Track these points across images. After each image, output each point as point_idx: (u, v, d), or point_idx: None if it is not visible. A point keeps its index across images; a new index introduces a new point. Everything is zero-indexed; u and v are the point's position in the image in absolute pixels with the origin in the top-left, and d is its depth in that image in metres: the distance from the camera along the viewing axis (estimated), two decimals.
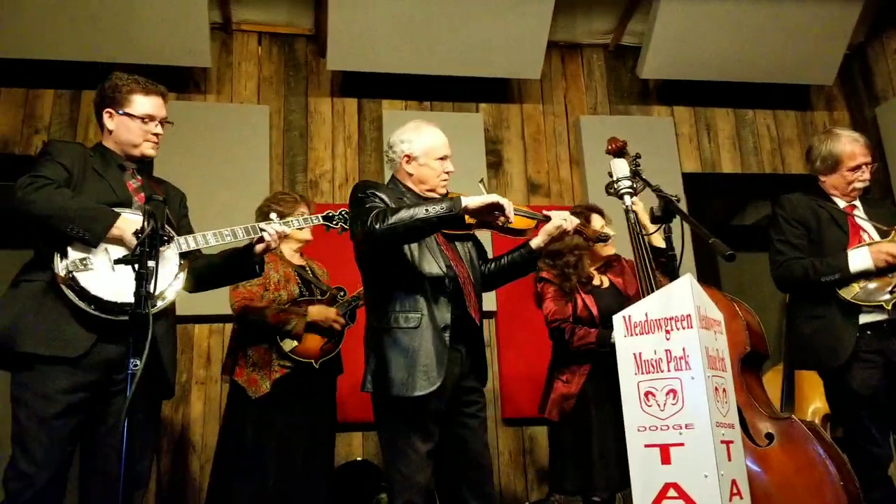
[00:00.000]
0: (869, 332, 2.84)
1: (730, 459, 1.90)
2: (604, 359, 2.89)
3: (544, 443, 4.24)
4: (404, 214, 2.37)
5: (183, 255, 2.40)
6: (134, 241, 2.21)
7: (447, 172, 2.73)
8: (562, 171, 4.97)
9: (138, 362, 1.82)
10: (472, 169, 4.48)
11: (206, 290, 2.64)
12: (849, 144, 3.06)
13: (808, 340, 2.97)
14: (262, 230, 2.46)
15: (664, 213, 2.47)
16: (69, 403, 2.22)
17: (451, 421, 2.56)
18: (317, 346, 3.16)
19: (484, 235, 2.86)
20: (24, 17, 4.11)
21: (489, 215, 2.42)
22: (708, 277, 4.56)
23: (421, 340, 2.47)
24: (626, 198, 2.50)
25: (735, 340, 2.62)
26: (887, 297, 2.80)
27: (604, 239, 2.81)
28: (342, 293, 3.32)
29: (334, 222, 2.77)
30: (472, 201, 2.37)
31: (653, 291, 2.19)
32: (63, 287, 2.21)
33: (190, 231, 2.56)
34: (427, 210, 2.36)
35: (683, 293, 1.97)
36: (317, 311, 3.18)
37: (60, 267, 2.21)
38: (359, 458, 4.08)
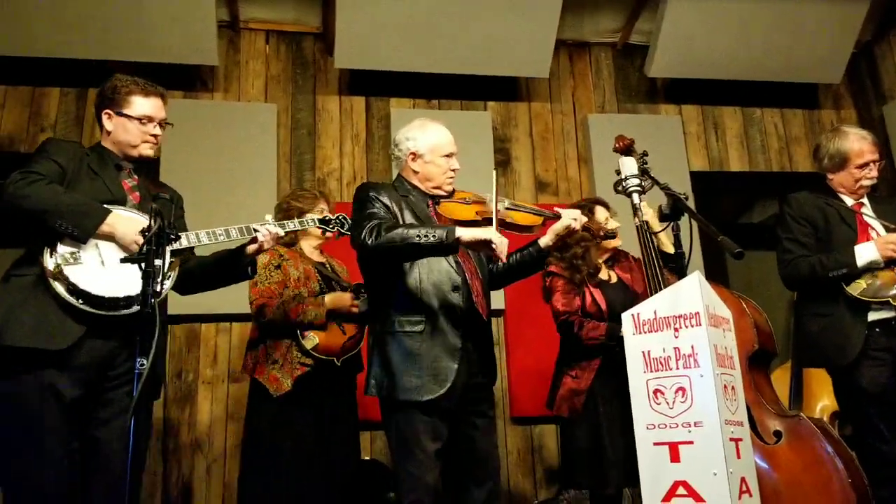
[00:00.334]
0: (878, 330, 2.84)
1: (739, 457, 1.90)
2: (612, 354, 2.89)
3: (553, 442, 4.26)
4: (396, 236, 2.39)
5: (174, 254, 2.38)
6: (126, 238, 2.26)
7: (453, 170, 2.74)
8: (570, 169, 4.97)
9: (145, 361, 1.83)
10: (480, 167, 4.48)
11: (197, 291, 2.62)
12: (856, 142, 3.06)
13: (816, 338, 2.97)
14: (255, 230, 2.44)
15: (672, 211, 2.47)
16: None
17: (459, 420, 2.57)
18: (339, 343, 3.14)
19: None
20: (30, 16, 4.13)
21: (482, 248, 2.42)
22: (716, 275, 4.56)
23: (427, 344, 2.49)
24: (635, 195, 2.49)
25: (743, 338, 2.62)
26: (894, 292, 2.79)
27: (612, 236, 2.81)
28: (361, 289, 3.30)
29: (331, 226, 2.79)
30: (465, 233, 2.37)
31: (660, 289, 2.18)
32: (51, 281, 2.20)
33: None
34: (419, 236, 2.37)
35: (692, 291, 1.97)
36: (332, 298, 3.17)
37: (49, 262, 2.21)
38: (367, 458, 4.08)
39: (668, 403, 1.93)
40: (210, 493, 4.02)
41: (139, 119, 2.46)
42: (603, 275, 3.14)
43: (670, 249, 2.66)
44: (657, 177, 2.57)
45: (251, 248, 2.47)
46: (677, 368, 1.94)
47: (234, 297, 3.83)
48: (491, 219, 2.49)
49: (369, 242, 2.42)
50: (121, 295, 2.22)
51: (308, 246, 3.33)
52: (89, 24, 4.19)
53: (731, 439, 1.89)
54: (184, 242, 2.35)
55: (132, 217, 2.32)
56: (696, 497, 1.83)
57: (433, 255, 2.51)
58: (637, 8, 5.00)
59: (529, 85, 5.07)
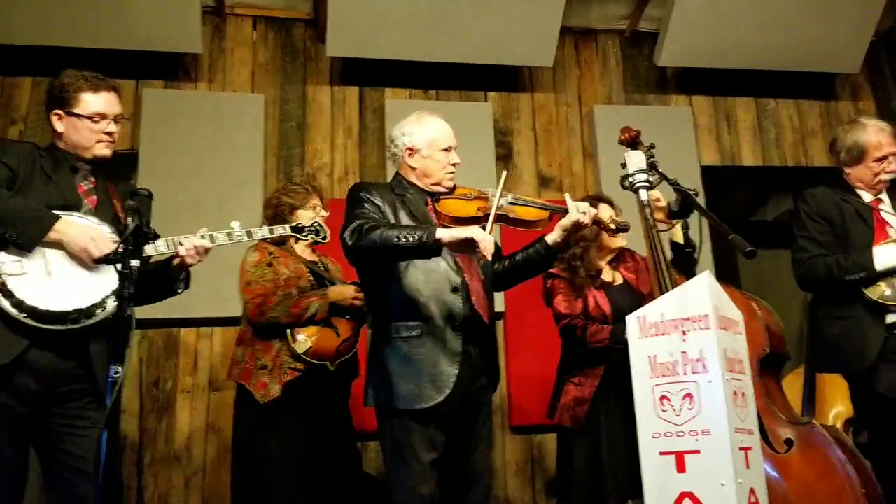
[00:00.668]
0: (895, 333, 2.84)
1: (748, 467, 1.90)
2: (617, 361, 2.89)
3: (553, 452, 4.22)
4: (376, 237, 2.40)
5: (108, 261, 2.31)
6: (75, 246, 2.22)
7: (453, 164, 2.73)
8: (574, 164, 4.97)
9: (120, 369, 1.81)
10: (480, 162, 4.49)
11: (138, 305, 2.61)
12: (875, 134, 3.07)
13: (834, 342, 2.98)
14: (179, 244, 2.36)
15: (682, 207, 2.48)
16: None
17: (457, 426, 2.58)
18: (333, 347, 3.11)
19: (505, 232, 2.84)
20: (3, 1, 4.09)
21: (466, 248, 2.40)
22: (727, 275, 4.58)
23: (425, 349, 2.50)
24: (642, 192, 2.48)
25: (754, 341, 2.62)
26: None
27: (625, 229, 2.79)
28: (358, 288, 3.29)
29: (304, 234, 2.72)
30: (445, 234, 2.37)
31: (668, 290, 2.18)
32: None
33: None
34: (398, 238, 2.38)
35: (700, 292, 1.97)
36: (336, 291, 3.16)
37: None
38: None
39: (674, 411, 1.93)
40: None
41: (90, 117, 2.42)
42: (607, 276, 3.13)
43: (680, 239, 2.65)
44: (666, 171, 2.58)
45: (175, 262, 2.42)
46: (685, 374, 1.93)
47: (218, 300, 3.84)
48: (498, 215, 2.52)
49: (350, 244, 2.45)
50: (70, 308, 2.20)
51: (300, 245, 3.32)
52: (63, 10, 4.15)
53: (741, 448, 1.89)
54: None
55: (84, 223, 2.29)
56: None
57: (416, 258, 2.51)
58: None
59: (532, 75, 5.06)
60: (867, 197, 3.10)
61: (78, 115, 2.42)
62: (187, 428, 4.10)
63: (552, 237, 2.66)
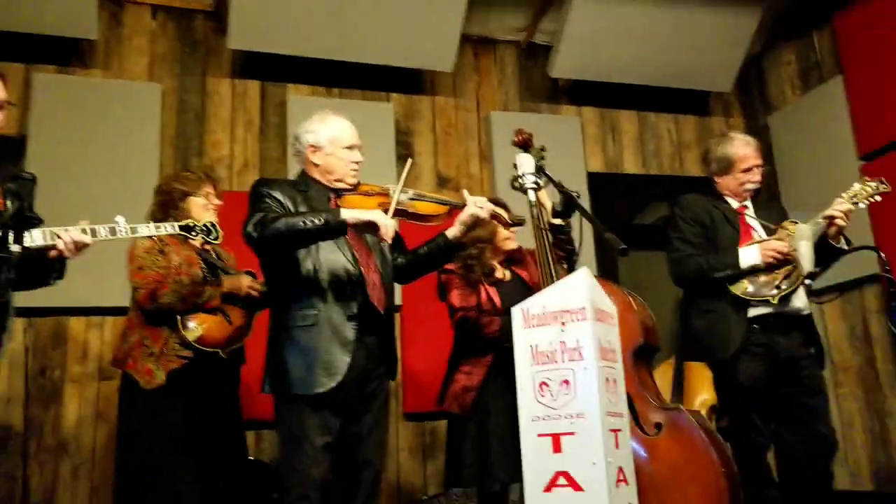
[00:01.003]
0: (756, 326, 3.03)
1: (617, 447, 2.00)
2: (504, 352, 2.97)
3: (444, 437, 4.32)
4: (281, 224, 2.41)
5: None
6: None
7: (356, 162, 2.75)
8: (472, 166, 5.05)
9: None
10: (382, 161, 4.50)
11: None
12: (741, 147, 3.26)
13: (701, 333, 3.15)
14: (57, 237, 2.20)
15: (565, 208, 2.59)
16: None
17: (352, 412, 2.61)
18: (224, 334, 3.04)
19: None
20: None
21: (368, 229, 2.48)
22: (608, 273, 4.76)
23: (319, 337, 2.52)
24: (531, 192, 2.58)
25: (629, 333, 2.75)
26: (774, 292, 3.00)
27: (521, 223, 2.84)
28: (252, 277, 3.23)
29: (193, 233, 2.61)
30: (350, 215, 2.42)
31: (552, 283, 2.28)
32: None
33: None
34: (304, 222, 2.40)
35: (579, 286, 2.06)
36: (230, 280, 3.09)
37: None
38: (251, 458, 4.02)
39: (552, 396, 2.01)
40: (76, 499, 3.85)
41: None
42: (498, 274, 3.22)
43: (558, 221, 2.77)
44: (554, 175, 2.68)
45: (52, 253, 2.25)
46: (563, 362, 2.02)
47: (108, 289, 3.70)
48: (397, 210, 2.56)
49: (255, 235, 2.44)
50: None
51: None
52: None
53: (611, 430, 1.98)
54: None
55: None
56: (576, 486, 1.91)
57: (322, 240, 2.53)
58: (542, 6, 5.11)
59: (433, 78, 5.10)
60: (734, 203, 3.28)
61: None
62: (75, 417, 3.95)
63: (452, 232, 2.72)
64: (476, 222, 2.70)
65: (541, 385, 2.04)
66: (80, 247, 2.25)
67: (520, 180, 2.61)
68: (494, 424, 2.94)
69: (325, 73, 4.77)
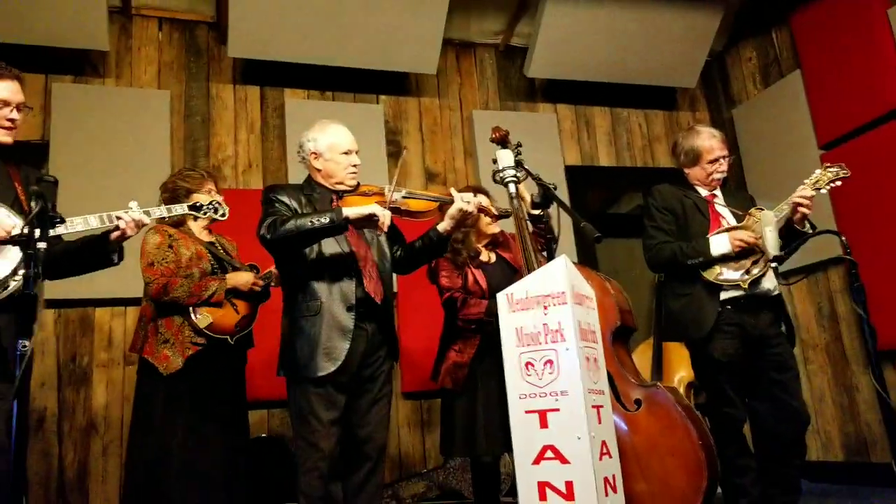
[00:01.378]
0: (728, 307, 3.00)
1: (600, 422, 1.99)
2: (491, 333, 2.95)
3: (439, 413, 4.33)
4: (291, 225, 2.50)
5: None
6: None
7: (354, 166, 2.80)
8: (457, 161, 5.01)
9: (27, 343, 1.71)
10: (373, 159, 4.47)
11: (60, 277, 2.49)
12: (707, 140, 3.22)
13: (677, 314, 3.11)
14: (118, 218, 2.27)
15: (543, 199, 2.56)
16: None
17: (355, 392, 2.66)
18: (232, 322, 3.04)
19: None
20: None
21: (369, 223, 2.53)
22: (586, 260, 4.74)
23: (321, 325, 2.58)
24: (511, 185, 2.57)
25: (607, 315, 2.73)
26: (745, 277, 2.98)
27: (507, 215, 2.83)
28: (255, 270, 3.21)
29: (202, 212, 2.63)
30: (351, 212, 2.49)
31: (534, 271, 2.25)
32: None
33: None
34: (311, 222, 2.49)
35: (559, 272, 2.04)
36: (235, 277, 3.08)
37: None
38: (263, 435, 4.01)
39: (537, 375, 1.99)
40: (107, 474, 3.86)
41: None
42: (483, 257, 3.19)
43: (533, 210, 2.77)
44: (532, 169, 2.66)
45: (114, 234, 2.31)
46: (546, 343, 2.00)
47: (129, 281, 3.66)
48: (391, 208, 2.61)
49: (268, 237, 2.52)
50: None
51: (196, 226, 3.18)
52: None
53: (594, 406, 1.97)
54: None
55: None
56: (562, 459, 1.90)
57: (328, 236, 2.59)
58: (518, 11, 5.08)
59: (419, 81, 5.06)
60: (704, 192, 3.24)
61: None
62: (104, 399, 3.96)
63: (443, 226, 2.73)
64: (464, 216, 2.70)
65: (526, 365, 2.02)
66: (140, 225, 2.32)
67: (500, 174, 2.61)
68: (483, 400, 2.93)
69: (319, 78, 4.74)
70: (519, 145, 2.63)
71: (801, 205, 2.94)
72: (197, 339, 2.96)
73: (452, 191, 2.75)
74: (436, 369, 3.09)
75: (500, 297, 2.11)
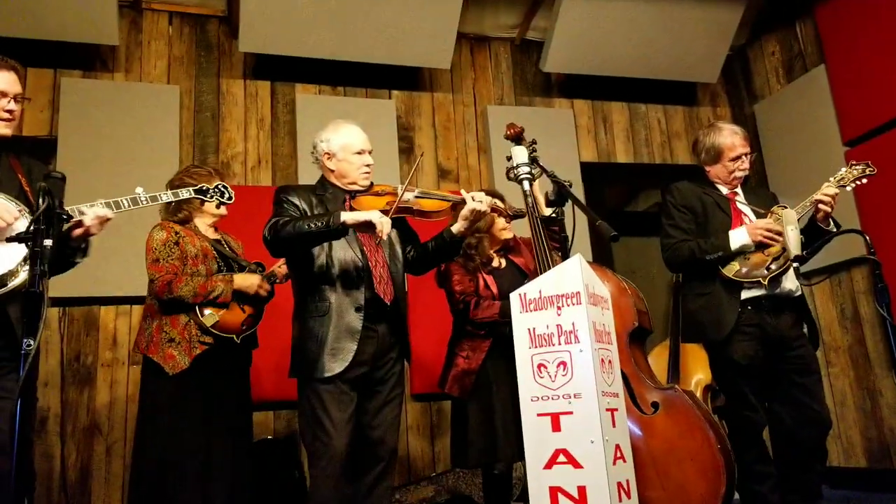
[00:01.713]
0: (749, 308, 2.97)
1: (614, 426, 1.97)
2: (502, 336, 2.93)
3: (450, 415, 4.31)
4: (291, 228, 2.54)
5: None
6: None
7: (367, 165, 2.82)
8: (470, 158, 5.00)
9: (32, 342, 1.70)
10: (385, 155, 4.46)
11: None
12: (730, 137, 3.18)
13: (696, 315, 3.09)
14: (81, 213, 2.17)
15: (558, 196, 2.54)
16: None
17: (365, 394, 2.67)
18: (238, 321, 3.04)
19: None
20: None
21: (367, 229, 2.54)
22: (602, 260, 4.70)
23: (329, 326, 2.60)
24: (525, 183, 2.56)
25: (624, 316, 2.71)
26: (764, 272, 2.94)
27: (520, 215, 2.83)
28: (261, 268, 3.22)
29: (208, 196, 2.57)
30: (349, 217, 2.50)
31: (548, 270, 2.23)
32: None
33: None
34: (309, 226, 2.52)
35: (573, 272, 2.02)
36: (242, 279, 3.08)
37: None
38: (269, 437, 4.02)
39: (550, 377, 1.97)
40: (111, 475, 3.87)
41: None
42: (494, 262, 3.18)
43: (546, 212, 2.75)
44: (547, 166, 2.64)
45: (76, 231, 2.21)
46: (559, 344, 1.98)
47: (135, 280, 3.69)
48: (402, 208, 2.64)
49: (268, 237, 2.58)
50: None
51: (203, 224, 3.19)
52: None
53: (608, 409, 1.95)
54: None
55: None
56: (575, 464, 1.89)
57: (327, 240, 2.61)
58: (534, 5, 5.05)
59: (432, 75, 5.05)
60: (724, 190, 3.19)
61: None
62: (107, 399, 3.97)
63: (456, 227, 2.73)
64: (477, 217, 2.69)
65: (539, 367, 2.01)
66: (103, 221, 2.24)
67: (515, 171, 2.62)
68: (498, 407, 2.90)
69: (331, 73, 4.73)
70: (534, 142, 2.63)
71: (822, 202, 2.91)
72: (204, 339, 2.96)
73: (464, 192, 2.74)
74: (444, 376, 3.08)
75: (513, 296, 2.10)
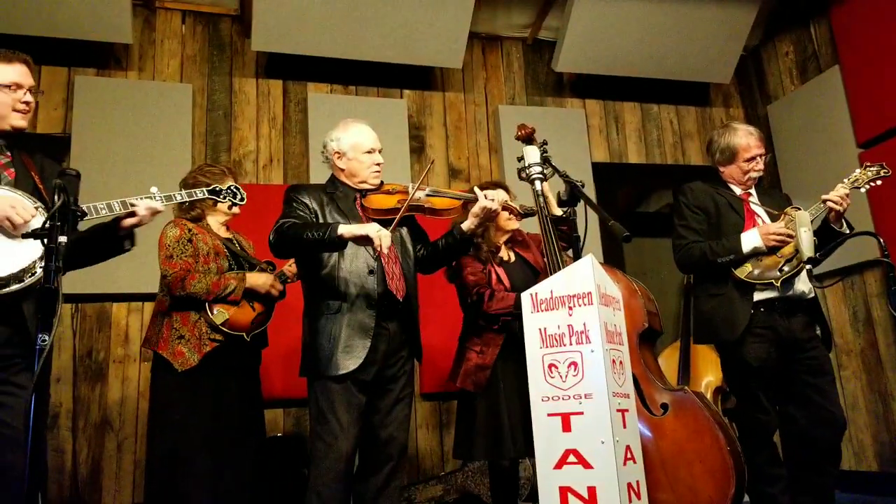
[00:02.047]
0: (762, 309, 2.95)
1: (625, 427, 1.97)
2: (515, 332, 2.93)
3: None
4: (291, 234, 2.56)
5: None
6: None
7: (377, 164, 2.82)
8: (481, 157, 5.00)
9: (46, 338, 1.72)
10: (396, 154, 4.47)
11: (71, 269, 2.41)
12: (744, 137, 3.17)
13: (708, 317, 3.07)
14: (132, 205, 2.24)
15: (570, 196, 2.54)
16: None
17: (376, 392, 2.67)
18: (248, 319, 3.05)
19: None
20: None
21: (364, 242, 2.53)
22: (613, 260, 4.69)
23: (342, 324, 2.60)
24: (537, 182, 2.57)
25: (634, 317, 2.71)
26: (777, 274, 2.93)
27: (531, 213, 2.83)
28: (271, 267, 3.23)
29: (221, 196, 2.60)
30: (346, 230, 2.50)
31: (558, 270, 2.23)
32: None
33: None
34: (307, 235, 2.52)
35: (585, 272, 2.02)
36: (254, 277, 3.09)
37: None
38: (279, 435, 4.04)
39: (561, 377, 1.98)
40: (121, 471, 3.90)
41: (8, 86, 2.25)
42: (503, 254, 3.17)
43: (558, 212, 2.75)
44: (561, 166, 2.64)
45: (128, 221, 2.27)
46: (570, 344, 1.99)
47: (147, 277, 3.71)
48: (414, 206, 2.65)
49: (271, 239, 2.62)
50: (3, 274, 2.06)
51: (215, 222, 3.21)
52: None
53: (618, 410, 1.95)
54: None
55: (4, 195, 2.15)
56: (585, 464, 1.89)
57: (324, 250, 2.63)
58: (546, 5, 5.06)
59: (444, 75, 5.06)
60: (738, 191, 3.17)
61: None
62: (119, 395, 4.00)
63: (466, 224, 2.74)
64: (488, 215, 2.70)
65: (550, 367, 2.01)
66: (154, 213, 2.31)
67: (526, 171, 2.63)
68: (505, 403, 2.90)
69: (343, 72, 4.75)
70: (545, 143, 2.63)
71: (831, 201, 2.90)
72: (214, 336, 2.97)
73: (476, 189, 2.75)
74: (454, 370, 3.07)
75: (525, 296, 2.11)
